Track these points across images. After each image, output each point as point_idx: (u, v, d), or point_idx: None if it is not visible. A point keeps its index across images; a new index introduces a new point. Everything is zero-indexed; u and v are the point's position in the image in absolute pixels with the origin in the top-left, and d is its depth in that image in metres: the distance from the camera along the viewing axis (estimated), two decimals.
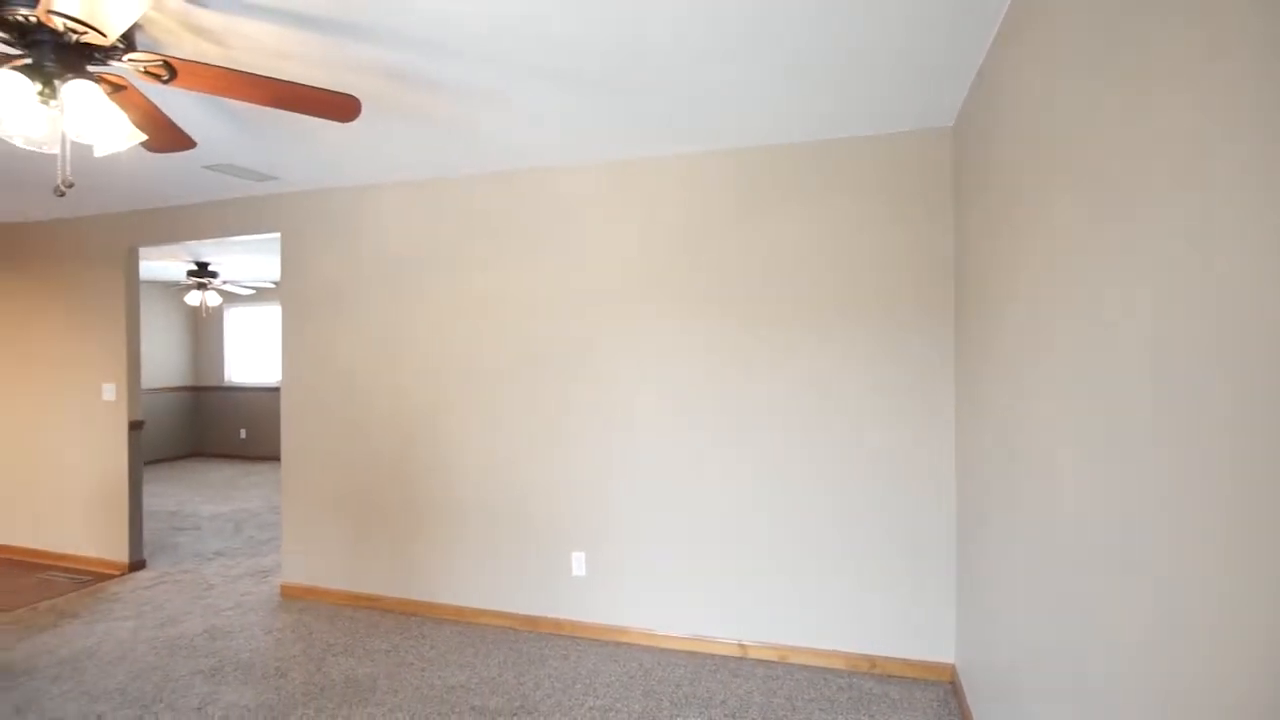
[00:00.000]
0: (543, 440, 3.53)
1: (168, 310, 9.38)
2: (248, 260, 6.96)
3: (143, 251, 5.72)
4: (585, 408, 3.45)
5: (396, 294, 3.82)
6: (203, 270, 7.39)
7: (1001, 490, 2.07)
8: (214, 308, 9.34)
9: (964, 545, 2.74)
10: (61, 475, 4.74)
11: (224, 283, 7.91)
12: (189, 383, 9.73)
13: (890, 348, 2.99)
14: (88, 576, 4.48)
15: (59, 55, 1.68)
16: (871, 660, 3.03)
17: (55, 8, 1.50)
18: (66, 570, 4.62)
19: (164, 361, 9.31)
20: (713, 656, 3.21)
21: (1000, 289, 2.07)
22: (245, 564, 4.72)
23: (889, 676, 3.00)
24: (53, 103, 1.73)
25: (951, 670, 2.93)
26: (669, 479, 3.31)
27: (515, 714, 2.72)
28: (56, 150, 1.85)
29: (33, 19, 1.62)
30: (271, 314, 9.29)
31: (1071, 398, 1.44)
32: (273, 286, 8.63)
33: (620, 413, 3.39)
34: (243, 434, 9.51)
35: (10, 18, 1.61)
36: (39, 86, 1.69)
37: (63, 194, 1.82)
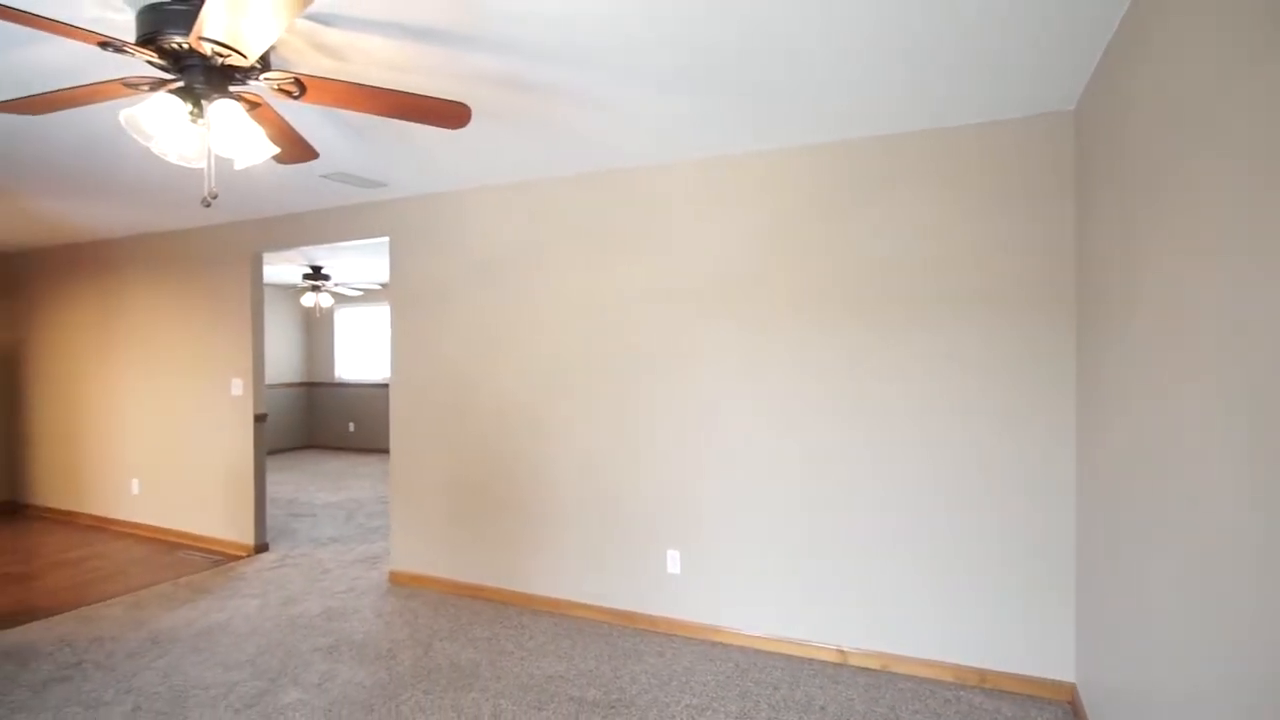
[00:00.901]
0: (637, 438, 3.56)
1: (284, 311, 10.07)
2: (357, 263, 7.37)
3: (264, 256, 6.16)
4: (678, 406, 3.46)
5: (496, 294, 3.94)
6: (316, 273, 7.87)
7: (1136, 496, 1.93)
8: (326, 308, 9.95)
9: (1085, 554, 2.57)
10: (197, 464, 5.17)
11: (335, 285, 8.41)
12: (302, 379, 10.41)
13: (1001, 345, 2.85)
14: (219, 556, 4.87)
15: (206, 77, 1.82)
16: (981, 674, 2.89)
17: (205, 34, 1.63)
18: (201, 550, 5.03)
19: (281, 359, 10.00)
20: (811, 661, 3.15)
21: (1136, 281, 1.93)
22: (356, 550, 5.00)
23: (1000, 692, 2.86)
24: (200, 121, 1.89)
25: (1072, 690, 2.75)
26: (763, 479, 3.27)
27: (613, 707, 2.76)
28: (202, 165, 2.01)
29: (185, 46, 1.76)
30: (377, 314, 9.80)
31: (1223, 395, 1.32)
32: (379, 288, 9.10)
33: (713, 411, 3.38)
34: (351, 427, 10.07)
35: (167, 46, 1.76)
36: (189, 107, 1.85)
37: (209, 204, 1.99)
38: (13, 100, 1.98)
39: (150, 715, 2.72)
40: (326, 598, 4.02)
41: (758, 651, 3.25)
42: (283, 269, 7.92)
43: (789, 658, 3.19)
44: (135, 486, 5.51)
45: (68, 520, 5.94)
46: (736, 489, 3.33)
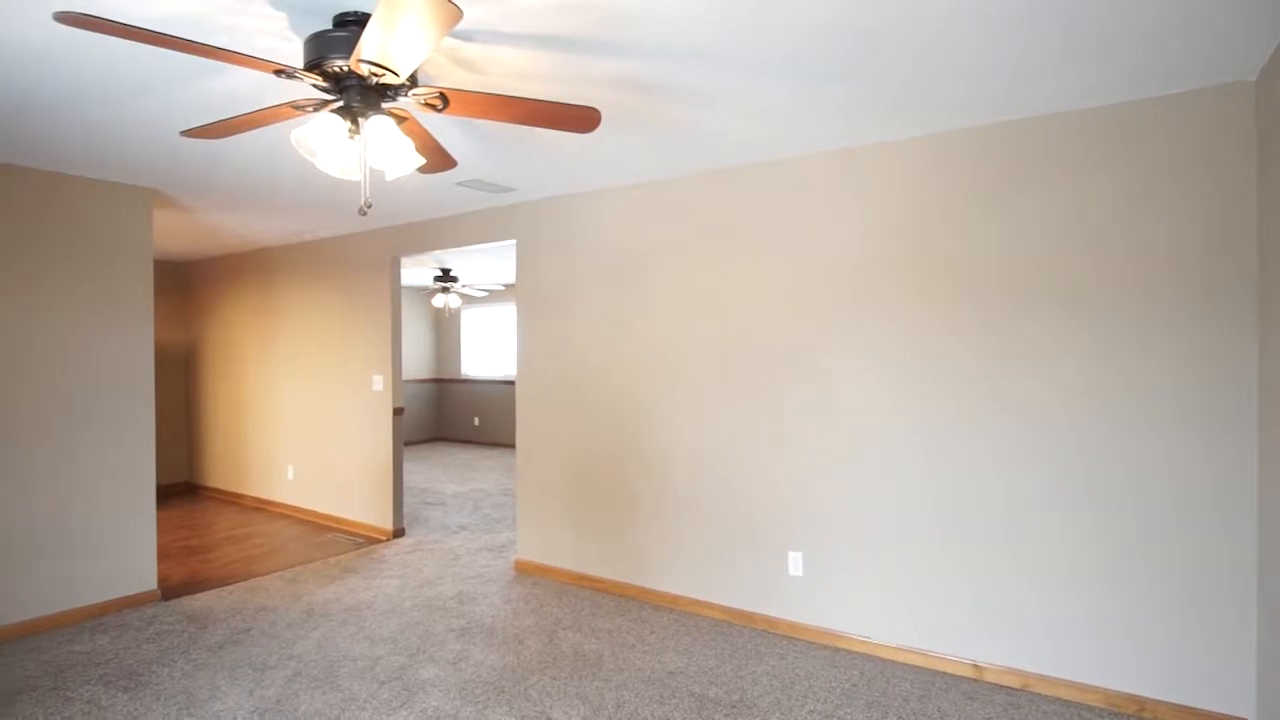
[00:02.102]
0: (760, 436, 3.52)
1: (417, 312, 10.73)
2: (482, 265, 7.73)
3: (401, 260, 6.57)
4: (804, 405, 3.39)
5: (621, 292, 4.02)
6: (446, 275, 8.32)
7: None
8: (454, 309, 10.52)
9: (1270, 577, 2.30)
10: (342, 453, 5.60)
11: (463, 286, 8.86)
12: (432, 375, 11.05)
13: (1168, 341, 2.59)
14: (362, 539, 5.26)
15: (363, 96, 1.97)
16: (1140, 702, 2.65)
17: (364, 56, 1.76)
18: (346, 532, 5.45)
19: (413, 357, 10.67)
20: (943, 674, 3.00)
21: None
22: (484, 539, 5.25)
23: None
24: (356, 137, 2.04)
25: None
26: (891, 481, 3.15)
27: (735, 706, 2.75)
28: (359, 177, 2.18)
29: (345, 68, 1.92)
30: (501, 313, 10.25)
31: None
32: (503, 288, 9.51)
33: (840, 411, 3.29)
34: (476, 421, 10.59)
35: (329, 69, 1.92)
36: (348, 124, 2.01)
37: (364, 213, 2.15)
38: (201, 127, 2.22)
39: (308, 680, 2.98)
40: (458, 582, 4.24)
41: (885, 661, 3.14)
42: (415, 272, 8.43)
43: (919, 669, 3.05)
44: (290, 472, 6.05)
45: (234, 501, 6.61)
46: (862, 491, 3.23)
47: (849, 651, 3.23)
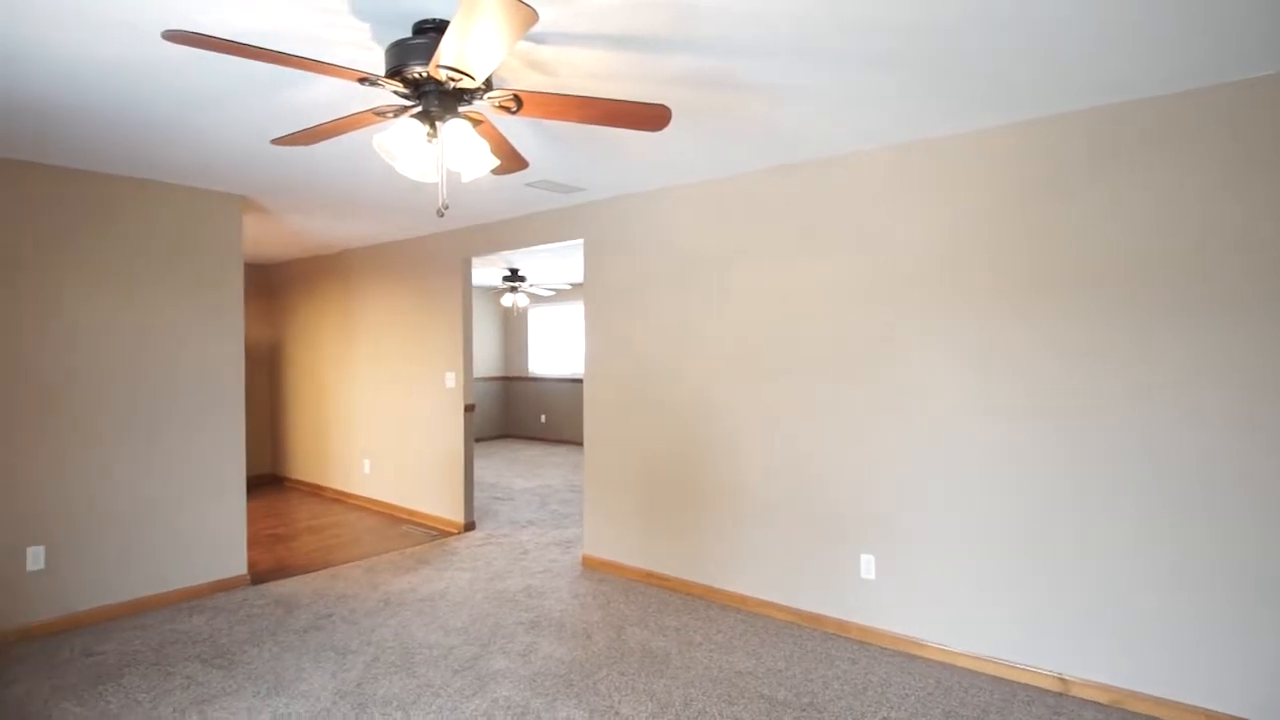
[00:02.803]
0: (830, 437, 3.46)
1: (486, 311, 10.98)
2: (549, 264, 7.85)
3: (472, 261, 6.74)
4: (875, 404, 3.31)
5: (688, 289, 4.02)
6: (514, 275, 8.49)
7: None
8: (522, 308, 10.72)
9: None
10: (416, 448, 5.78)
11: (530, 285, 9.02)
12: (499, 373, 11.28)
13: (1262, 342, 2.41)
14: (434, 531, 5.42)
15: (441, 101, 2.03)
16: None
17: (443, 62, 1.81)
18: (419, 524, 5.63)
19: (482, 355, 10.92)
20: (1025, 686, 2.88)
21: None
22: (551, 534, 5.33)
23: None
24: (434, 140, 2.10)
25: None
26: (970, 483, 3.04)
27: (804, 710, 2.71)
28: (436, 179, 2.24)
29: (424, 74, 1.98)
30: (567, 312, 10.38)
31: None
32: (569, 288, 9.63)
33: (913, 411, 3.19)
34: (543, 419, 10.76)
35: (409, 75, 1.98)
36: (426, 128, 2.07)
37: (442, 214, 2.21)
38: (290, 134, 2.33)
39: (387, 666, 3.09)
40: (527, 576, 4.32)
41: (962, 669, 3.03)
42: (484, 272, 8.63)
43: (999, 680, 2.94)
44: (366, 466, 6.29)
45: (315, 492, 6.91)
46: (940, 494, 3.13)
47: (924, 659, 3.14)
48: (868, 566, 3.32)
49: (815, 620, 3.49)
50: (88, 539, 3.65)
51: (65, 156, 3.40)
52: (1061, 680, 2.82)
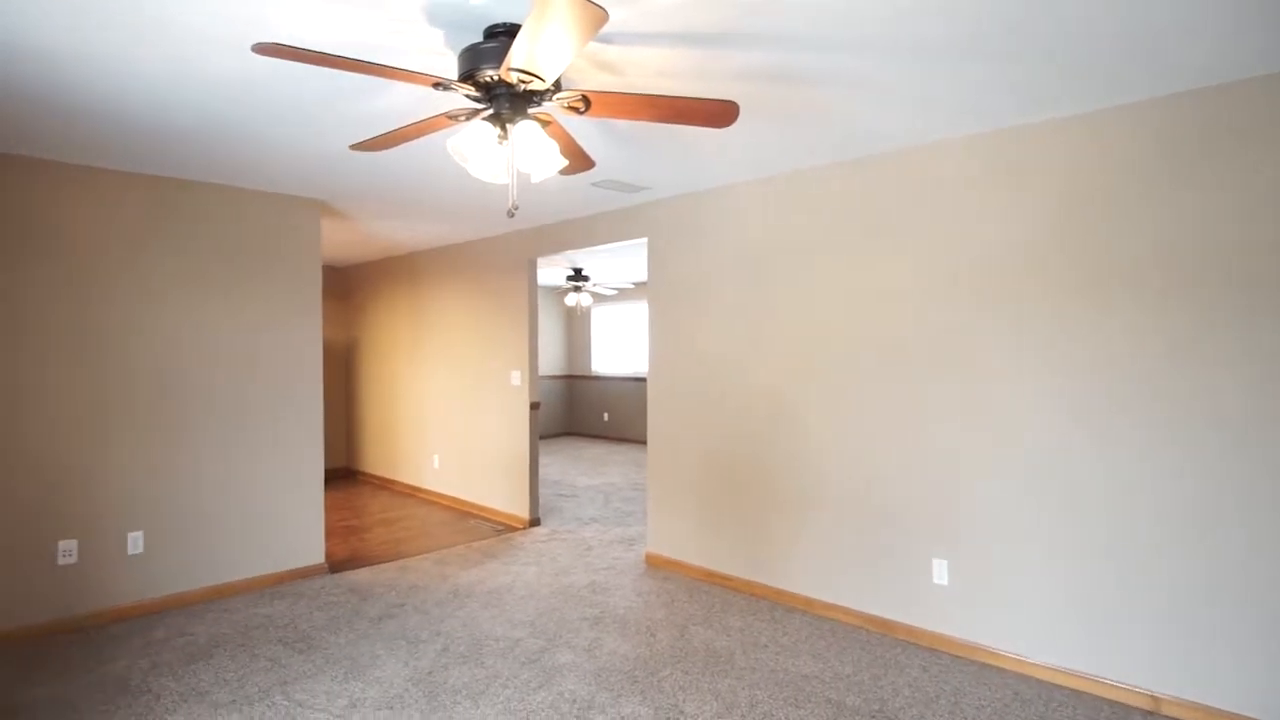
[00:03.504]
0: (899, 437, 3.36)
1: (550, 310, 11.14)
2: (613, 263, 7.90)
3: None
4: (947, 403, 3.20)
5: (753, 287, 3.98)
6: (578, 275, 8.58)
7: None
8: (585, 307, 10.83)
9: None
10: (483, 445, 5.92)
11: (594, 285, 9.10)
12: (563, 372, 11.43)
13: None
14: (500, 526, 5.53)
15: (511, 103, 2.06)
16: None
17: (514, 64, 1.85)
18: (486, 519, 5.76)
19: (545, 354, 11.09)
20: (1110, 703, 2.74)
21: None
22: (614, 531, 5.37)
23: None
24: (504, 142, 2.14)
25: None
26: (1053, 487, 2.91)
27: (873, 717, 2.65)
28: (506, 181, 2.28)
29: (495, 77, 2.02)
30: (630, 311, 10.43)
31: None
32: (632, 287, 9.68)
33: (989, 410, 3.08)
34: (605, 417, 10.85)
35: (481, 79, 2.03)
36: (497, 131, 2.11)
37: (513, 215, 2.25)
38: (367, 140, 2.42)
39: (456, 656, 3.17)
40: (591, 572, 4.37)
41: (1040, 682, 2.91)
42: (548, 272, 8.75)
43: (1081, 694, 2.80)
44: (436, 461, 6.47)
45: (387, 486, 7.15)
46: (1018, 497, 3.01)
47: (1000, 669, 3.02)
48: (940, 571, 3.22)
49: (884, 625, 3.41)
50: (180, 526, 3.88)
51: (160, 167, 3.62)
52: (1153, 699, 2.67)
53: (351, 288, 7.76)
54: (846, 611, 3.55)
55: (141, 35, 2.11)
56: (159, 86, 2.53)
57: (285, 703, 2.77)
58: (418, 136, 2.37)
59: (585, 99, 2.11)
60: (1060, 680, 2.88)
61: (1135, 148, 2.70)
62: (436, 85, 1.99)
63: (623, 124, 2.99)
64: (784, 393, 3.82)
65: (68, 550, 3.52)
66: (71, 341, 3.54)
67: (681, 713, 2.68)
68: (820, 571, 3.66)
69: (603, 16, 1.57)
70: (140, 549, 3.73)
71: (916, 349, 3.30)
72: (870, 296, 3.47)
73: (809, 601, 3.70)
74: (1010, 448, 3.02)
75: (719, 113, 2.16)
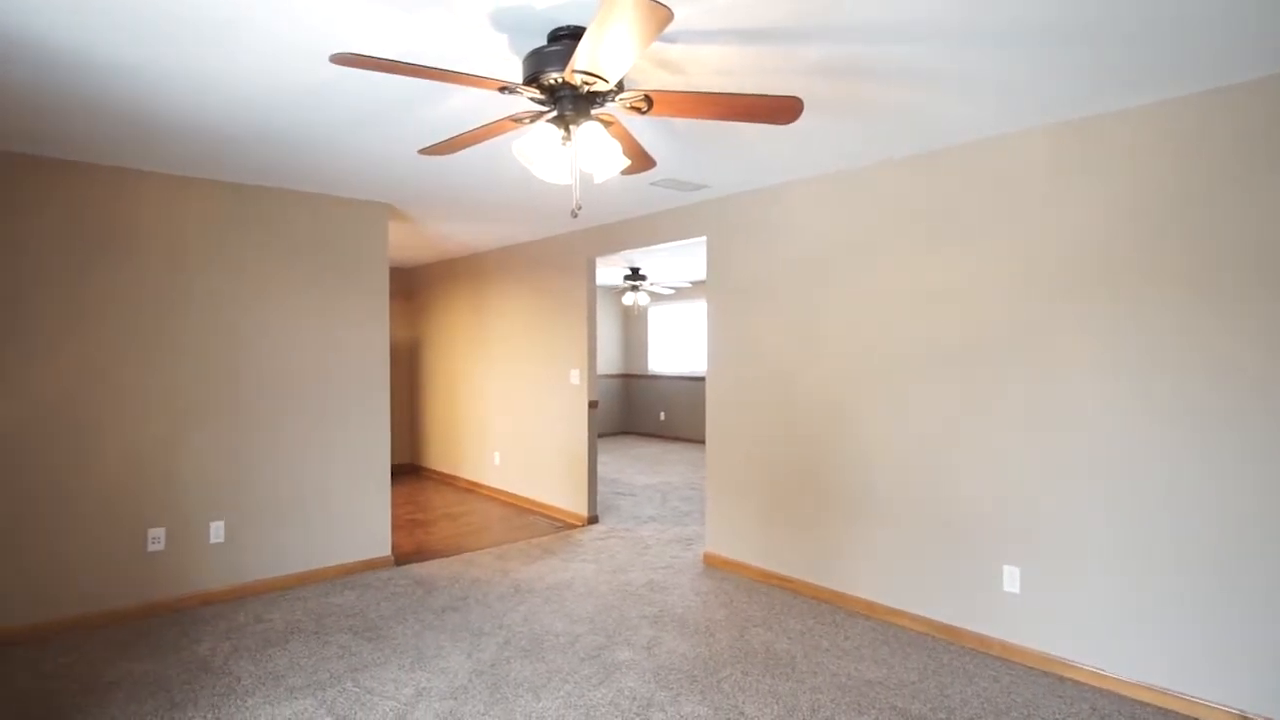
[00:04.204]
0: (970, 438, 3.26)
1: (608, 310, 11.21)
2: (670, 263, 7.90)
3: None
4: (1019, 406, 3.09)
5: (815, 286, 3.92)
6: (635, 274, 8.61)
7: None
8: (643, 306, 10.87)
9: None
10: (542, 442, 6.00)
11: (651, 284, 9.12)
12: (620, 371, 11.49)
13: None
14: (559, 523, 5.60)
15: (575, 105, 2.09)
16: None
17: (578, 67, 1.87)
18: (545, 516, 5.84)
19: (603, 353, 11.18)
20: None
21: None
22: (672, 531, 5.37)
23: None
24: (568, 144, 2.17)
25: None
26: (1130, 493, 2.77)
27: None
28: (570, 181, 2.31)
29: (559, 80, 2.04)
30: (687, 310, 10.42)
31: None
32: (689, 286, 9.66)
33: (1063, 412, 2.95)
34: (662, 416, 10.86)
35: (545, 82, 2.06)
36: (561, 132, 2.14)
37: (576, 215, 2.28)
38: (434, 145, 2.48)
39: (517, 649, 3.23)
40: (649, 571, 4.38)
41: (1121, 697, 2.78)
42: (606, 271, 8.82)
43: (1163, 711, 2.66)
44: (496, 458, 6.59)
45: (450, 482, 7.33)
46: (1096, 503, 2.88)
47: (1075, 682, 2.90)
48: (1011, 579, 3.11)
49: (951, 633, 3.31)
50: (257, 516, 4.06)
51: (239, 174, 3.79)
52: (1243, 717, 2.52)
53: (415, 288, 7.98)
54: (911, 617, 3.46)
55: (232, 47, 2.22)
56: (243, 97, 2.65)
57: (355, 689, 2.87)
58: (484, 139, 2.42)
59: (648, 99, 2.11)
60: (1139, 695, 2.74)
61: (1225, 134, 2.55)
62: (502, 89, 2.03)
63: (681, 122, 2.99)
64: (845, 393, 3.75)
65: (156, 537, 3.74)
66: (161, 342, 3.76)
67: (742, 714, 2.66)
68: (884, 576, 3.58)
69: (668, 15, 1.57)
70: (221, 538, 3.93)
71: (988, 350, 3.20)
72: (939, 294, 3.37)
73: (871, 606, 3.62)
74: (1088, 452, 2.89)
75: (783, 109, 2.14)
